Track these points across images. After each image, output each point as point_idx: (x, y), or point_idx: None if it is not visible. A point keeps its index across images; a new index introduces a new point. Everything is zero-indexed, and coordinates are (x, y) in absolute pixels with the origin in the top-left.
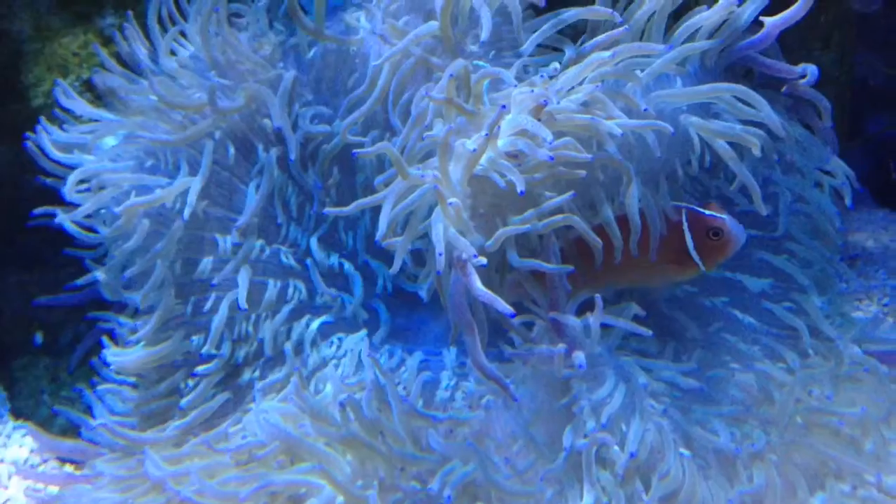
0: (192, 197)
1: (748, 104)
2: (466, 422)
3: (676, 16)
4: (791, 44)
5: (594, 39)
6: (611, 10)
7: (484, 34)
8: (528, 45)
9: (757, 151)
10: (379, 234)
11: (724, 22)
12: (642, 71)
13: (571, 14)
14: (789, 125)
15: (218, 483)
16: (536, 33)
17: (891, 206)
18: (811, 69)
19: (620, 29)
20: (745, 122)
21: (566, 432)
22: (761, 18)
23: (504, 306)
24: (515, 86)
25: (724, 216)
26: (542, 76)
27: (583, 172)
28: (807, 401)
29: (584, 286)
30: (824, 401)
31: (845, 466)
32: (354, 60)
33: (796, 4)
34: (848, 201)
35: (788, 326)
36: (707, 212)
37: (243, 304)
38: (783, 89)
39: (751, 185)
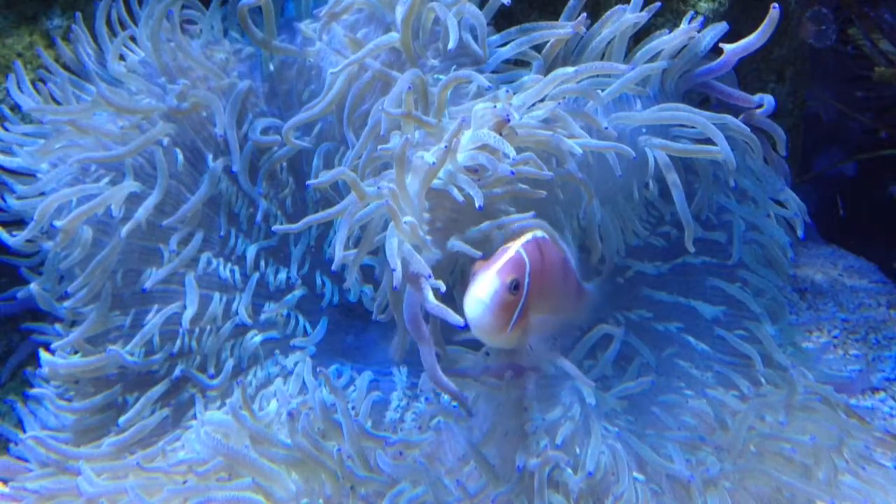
0: (141, 212)
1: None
2: (417, 444)
3: (636, 41)
4: (746, 76)
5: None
6: (572, 25)
7: (451, 42)
8: (491, 60)
9: (725, 158)
10: (336, 261)
11: (684, 47)
12: (603, 90)
13: (537, 35)
14: (744, 154)
15: (157, 501)
16: (503, 48)
17: (838, 243)
18: (768, 99)
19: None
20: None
21: (519, 452)
22: (720, 45)
23: (455, 318)
24: (489, 87)
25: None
26: (506, 91)
27: (543, 193)
28: (760, 428)
29: None
30: (777, 428)
31: (799, 493)
32: (310, 73)
33: (755, 33)
34: (800, 233)
35: (741, 354)
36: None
37: (188, 321)
38: (739, 118)
39: (686, 222)
